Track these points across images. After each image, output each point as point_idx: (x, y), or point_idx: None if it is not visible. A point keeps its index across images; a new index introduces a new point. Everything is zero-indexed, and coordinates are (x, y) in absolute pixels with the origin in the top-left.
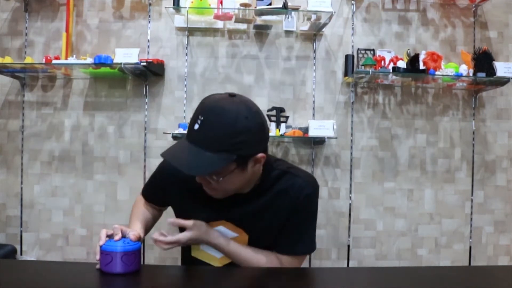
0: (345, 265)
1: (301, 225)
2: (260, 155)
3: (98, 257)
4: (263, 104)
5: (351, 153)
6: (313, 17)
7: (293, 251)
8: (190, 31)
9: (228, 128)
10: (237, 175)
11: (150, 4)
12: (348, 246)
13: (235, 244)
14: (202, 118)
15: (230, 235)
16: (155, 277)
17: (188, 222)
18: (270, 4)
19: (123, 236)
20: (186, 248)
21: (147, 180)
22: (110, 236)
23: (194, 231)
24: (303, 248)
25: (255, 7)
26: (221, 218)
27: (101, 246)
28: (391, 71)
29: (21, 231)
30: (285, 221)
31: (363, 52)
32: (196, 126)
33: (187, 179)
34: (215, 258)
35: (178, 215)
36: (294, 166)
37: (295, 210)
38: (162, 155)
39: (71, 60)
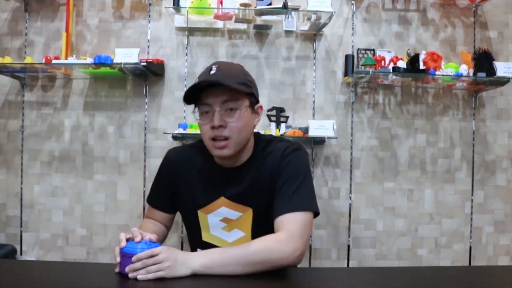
0: (345, 265)
1: (289, 182)
2: (260, 104)
3: (118, 259)
4: (263, 104)
5: (351, 153)
6: (313, 17)
7: (286, 208)
8: (190, 31)
9: (240, 70)
10: (248, 117)
11: (150, 4)
12: (348, 246)
13: (215, 253)
14: (216, 66)
15: (234, 215)
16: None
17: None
18: (270, 4)
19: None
20: (195, 234)
21: (150, 186)
22: (127, 240)
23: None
24: (296, 204)
25: (255, 7)
26: (220, 195)
27: (122, 249)
28: (391, 71)
29: (21, 231)
30: (274, 184)
31: (363, 52)
32: (213, 71)
33: (190, 163)
34: (226, 243)
35: (183, 205)
36: (278, 137)
37: (279, 169)
38: (190, 88)
39: (71, 60)
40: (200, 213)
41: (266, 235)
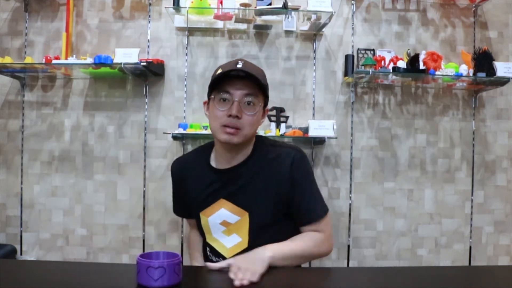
0: (345, 265)
1: (306, 189)
2: (268, 107)
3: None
4: None
5: (351, 153)
6: (313, 17)
7: (315, 215)
8: (190, 31)
9: (261, 71)
10: (258, 116)
11: (150, 4)
12: (348, 246)
13: (277, 246)
14: (242, 61)
15: (233, 219)
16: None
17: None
18: (270, 4)
19: None
20: (202, 235)
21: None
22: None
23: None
24: (321, 209)
25: (255, 7)
26: (219, 197)
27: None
28: (391, 71)
29: (21, 231)
30: (288, 193)
31: (363, 52)
32: (239, 65)
33: (191, 168)
34: (225, 248)
35: (190, 209)
36: (279, 141)
37: (293, 178)
38: (219, 74)
39: (71, 60)
40: (201, 215)
41: (309, 233)
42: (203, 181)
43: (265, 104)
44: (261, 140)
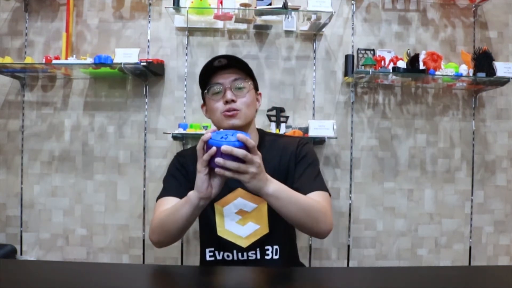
0: (345, 265)
1: (310, 167)
2: (259, 92)
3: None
4: (263, 104)
5: (351, 153)
6: (313, 17)
7: (314, 186)
8: (190, 31)
9: (243, 61)
10: (253, 96)
11: (150, 4)
12: (348, 246)
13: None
14: (220, 55)
15: (249, 207)
16: (156, 277)
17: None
18: (270, 4)
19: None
20: (210, 229)
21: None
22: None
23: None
24: (321, 185)
25: (255, 7)
26: (236, 186)
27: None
28: (391, 71)
29: (21, 231)
30: (292, 171)
31: (363, 52)
32: (220, 60)
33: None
34: (240, 238)
35: None
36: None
37: (299, 156)
38: (206, 65)
39: (71, 60)
40: (216, 206)
41: (319, 201)
42: None
43: (256, 87)
44: (265, 132)
